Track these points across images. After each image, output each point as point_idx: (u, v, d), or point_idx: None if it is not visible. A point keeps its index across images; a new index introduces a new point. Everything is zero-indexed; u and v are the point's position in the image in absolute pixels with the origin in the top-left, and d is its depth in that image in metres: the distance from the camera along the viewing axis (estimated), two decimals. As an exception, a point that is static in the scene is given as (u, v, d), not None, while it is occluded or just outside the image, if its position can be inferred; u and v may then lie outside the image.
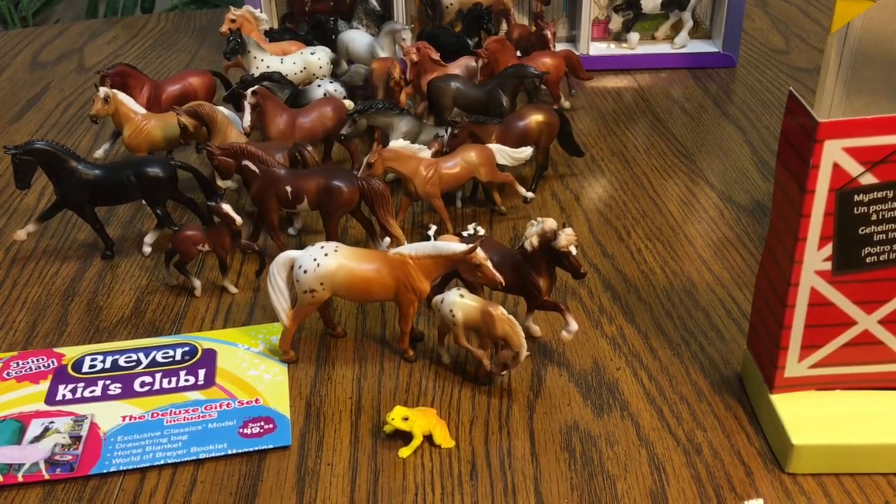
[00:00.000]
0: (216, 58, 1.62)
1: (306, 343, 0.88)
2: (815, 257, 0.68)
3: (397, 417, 0.74)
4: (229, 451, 0.74)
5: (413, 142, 1.08)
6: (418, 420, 0.74)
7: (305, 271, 0.81)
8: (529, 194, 1.07)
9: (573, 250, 0.80)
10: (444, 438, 0.75)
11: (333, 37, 1.43)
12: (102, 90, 1.12)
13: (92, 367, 0.84)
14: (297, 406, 0.80)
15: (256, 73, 1.27)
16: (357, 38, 1.41)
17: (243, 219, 0.96)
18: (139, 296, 0.97)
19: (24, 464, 0.73)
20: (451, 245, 0.80)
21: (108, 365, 0.85)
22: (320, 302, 0.82)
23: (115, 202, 1.05)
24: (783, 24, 1.77)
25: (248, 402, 0.80)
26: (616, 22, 1.57)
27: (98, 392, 0.81)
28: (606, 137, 1.31)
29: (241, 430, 0.76)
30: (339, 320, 0.91)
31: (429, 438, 0.75)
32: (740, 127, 1.33)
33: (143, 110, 1.15)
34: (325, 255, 0.81)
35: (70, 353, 0.87)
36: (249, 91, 1.10)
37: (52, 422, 0.77)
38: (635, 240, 1.05)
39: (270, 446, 0.75)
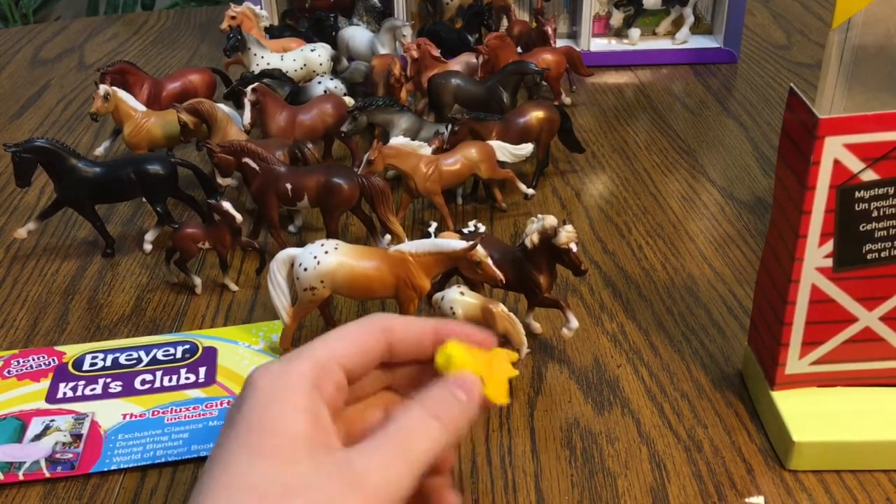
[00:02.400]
0: (216, 55, 1.62)
1: (307, 340, 0.88)
2: (815, 254, 0.68)
3: (444, 358, 0.58)
4: (230, 449, 0.74)
5: (413, 138, 1.08)
6: (470, 359, 0.58)
7: (306, 269, 0.80)
8: (530, 191, 1.07)
9: (574, 247, 0.80)
10: (499, 391, 0.58)
11: (334, 33, 1.43)
12: (102, 88, 1.12)
13: (92, 365, 0.84)
14: (298, 404, 0.80)
15: (256, 70, 1.26)
16: (357, 34, 1.41)
17: (243, 216, 0.96)
18: (140, 294, 0.97)
19: (24, 462, 0.73)
20: (452, 242, 0.79)
21: (108, 363, 0.85)
22: (321, 299, 0.82)
23: (116, 200, 1.05)
24: (784, 20, 1.76)
25: (248, 400, 0.80)
26: (617, 18, 1.57)
27: (99, 390, 0.81)
28: (607, 134, 1.31)
29: (241, 428, 0.76)
30: (339, 318, 0.91)
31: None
32: (741, 123, 1.33)
33: (143, 108, 1.15)
34: (326, 252, 0.81)
35: (71, 351, 0.87)
36: (249, 88, 1.10)
37: (52, 420, 0.77)
38: (636, 236, 1.04)
39: (271, 444, 0.75)
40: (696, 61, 1.55)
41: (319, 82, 1.23)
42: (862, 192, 0.66)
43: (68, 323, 0.92)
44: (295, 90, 1.22)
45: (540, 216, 0.81)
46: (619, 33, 1.59)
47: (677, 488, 0.70)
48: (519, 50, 1.39)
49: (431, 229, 0.89)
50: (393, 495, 0.51)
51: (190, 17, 1.89)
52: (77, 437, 0.76)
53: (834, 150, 0.64)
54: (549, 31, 1.38)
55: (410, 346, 0.60)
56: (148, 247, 1.04)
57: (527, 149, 1.06)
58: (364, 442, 0.53)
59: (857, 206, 0.66)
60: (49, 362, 0.85)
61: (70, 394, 0.81)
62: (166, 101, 1.23)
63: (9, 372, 0.84)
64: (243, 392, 0.55)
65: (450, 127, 1.07)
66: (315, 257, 0.80)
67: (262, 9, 1.43)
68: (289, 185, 0.96)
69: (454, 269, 0.83)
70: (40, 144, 0.99)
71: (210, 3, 2.83)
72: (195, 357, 0.85)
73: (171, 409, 0.79)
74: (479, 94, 1.21)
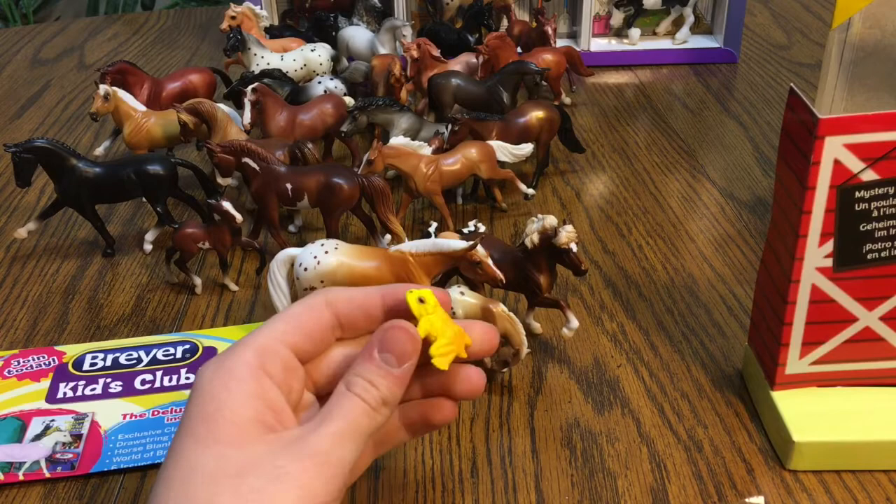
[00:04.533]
0: (216, 55, 1.62)
1: (307, 340, 0.88)
2: (816, 254, 0.68)
3: (412, 300, 0.57)
4: (230, 449, 0.74)
5: (413, 138, 1.08)
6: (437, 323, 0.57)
7: (306, 269, 0.80)
8: (530, 191, 1.07)
9: (574, 247, 0.80)
10: (460, 345, 0.58)
11: (334, 33, 1.43)
12: (103, 88, 1.12)
13: (93, 365, 0.84)
14: (298, 404, 0.80)
15: (256, 69, 1.26)
16: (357, 34, 1.41)
17: (243, 216, 0.96)
18: (140, 293, 0.97)
19: (24, 462, 0.73)
20: (452, 242, 0.79)
21: (108, 363, 0.85)
22: (321, 299, 0.82)
23: (116, 200, 1.05)
24: (784, 19, 1.76)
25: (248, 400, 0.80)
26: (617, 18, 1.56)
27: (99, 390, 0.81)
28: (607, 133, 1.31)
29: (241, 428, 0.76)
30: (339, 318, 0.91)
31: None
32: (742, 123, 1.33)
33: (143, 108, 1.15)
34: (326, 252, 0.81)
35: (71, 350, 0.87)
36: (249, 88, 1.10)
37: (52, 420, 0.77)
38: (636, 236, 1.04)
39: (271, 444, 0.75)
40: (696, 61, 1.55)
41: (319, 82, 1.23)
42: (862, 192, 0.66)
43: (68, 323, 0.92)
44: (295, 90, 1.22)
45: (540, 216, 0.81)
46: (619, 33, 1.59)
47: (677, 488, 0.70)
48: (519, 50, 1.39)
49: (431, 229, 0.89)
50: (344, 464, 0.53)
51: (190, 17, 1.89)
52: (77, 437, 0.76)
53: (834, 150, 0.64)
54: (549, 31, 1.38)
55: (358, 318, 0.60)
56: (148, 247, 1.04)
57: (527, 149, 1.06)
58: (311, 422, 0.54)
59: (857, 206, 0.66)
60: (49, 362, 0.85)
61: (70, 394, 0.81)
62: (166, 101, 1.23)
63: (9, 372, 0.84)
64: (191, 390, 0.55)
65: (450, 127, 1.07)
66: (315, 257, 0.81)
67: (262, 9, 1.43)
68: (289, 185, 0.96)
69: (454, 269, 0.83)
70: (40, 144, 0.99)
71: (210, 3, 2.83)
72: (195, 357, 0.85)
73: (172, 409, 0.79)
74: (479, 94, 1.21)
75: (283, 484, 0.50)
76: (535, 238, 0.80)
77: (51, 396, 0.80)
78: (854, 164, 0.64)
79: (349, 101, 1.18)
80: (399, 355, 0.56)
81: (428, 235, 0.86)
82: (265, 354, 0.56)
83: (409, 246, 0.81)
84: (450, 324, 0.58)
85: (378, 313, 0.60)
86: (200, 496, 0.50)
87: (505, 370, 0.79)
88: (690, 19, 1.54)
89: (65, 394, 0.81)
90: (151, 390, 0.81)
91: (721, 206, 1.11)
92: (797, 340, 0.72)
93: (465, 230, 0.88)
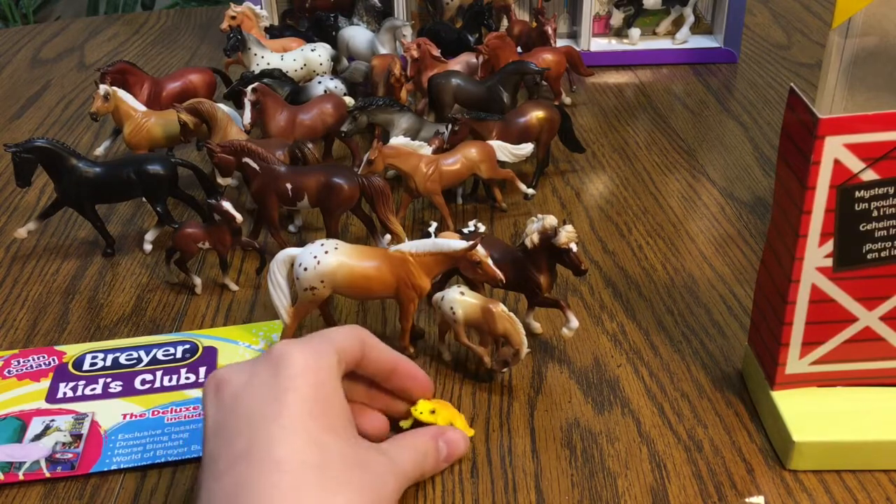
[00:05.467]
0: (216, 55, 1.62)
1: (307, 340, 0.88)
2: (816, 254, 0.68)
3: (425, 411, 0.73)
4: (230, 449, 0.74)
5: (413, 138, 1.08)
6: (442, 412, 0.74)
7: (306, 269, 0.80)
8: (530, 191, 1.07)
9: (574, 247, 0.80)
10: (465, 426, 0.75)
11: (334, 33, 1.43)
12: (102, 87, 1.12)
13: (93, 364, 0.84)
14: (298, 404, 0.80)
15: (257, 69, 1.26)
16: (357, 34, 1.41)
17: (243, 216, 0.96)
18: (140, 293, 0.97)
19: (24, 462, 0.73)
20: (452, 242, 0.79)
21: (108, 363, 0.85)
22: (321, 299, 0.82)
23: (116, 200, 1.05)
24: (784, 19, 1.76)
25: (248, 400, 0.79)
26: (617, 18, 1.56)
27: (99, 390, 0.81)
28: (607, 133, 1.31)
29: (241, 428, 0.76)
30: (339, 318, 0.91)
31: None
32: (742, 123, 1.33)
33: (143, 108, 1.15)
34: (326, 252, 0.81)
35: (71, 350, 0.87)
36: (249, 88, 1.10)
37: (52, 420, 0.77)
38: (636, 236, 1.04)
39: (271, 444, 0.75)
40: (696, 61, 1.55)
41: (319, 82, 1.23)
42: (862, 191, 0.66)
43: (68, 323, 0.92)
44: (295, 90, 1.22)
45: (540, 216, 0.81)
46: (619, 33, 1.59)
47: (677, 488, 0.70)
48: (519, 50, 1.39)
49: (431, 229, 0.89)
50: (405, 484, 0.66)
51: (190, 17, 1.89)
52: (77, 437, 0.76)
53: (834, 150, 0.64)
54: (550, 30, 1.38)
55: (374, 367, 0.70)
56: (148, 247, 1.04)
57: (527, 149, 1.06)
58: (389, 443, 0.68)
59: (857, 205, 0.66)
60: (49, 362, 0.85)
61: (70, 394, 0.81)
62: (166, 101, 1.23)
63: (9, 372, 0.84)
64: (277, 360, 0.62)
65: (450, 127, 1.07)
66: (315, 257, 0.80)
67: (262, 9, 1.43)
68: (289, 185, 0.96)
69: (454, 269, 0.83)
70: (40, 144, 0.99)
71: (210, 3, 2.83)
72: (195, 357, 0.85)
73: (172, 409, 0.79)
74: (479, 94, 1.20)
75: (387, 491, 0.62)
76: (535, 238, 0.80)
77: (51, 396, 0.80)
78: (854, 163, 0.64)
79: (349, 101, 1.18)
80: (452, 458, 0.72)
81: (428, 235, 0.86)
82: (340, 363, 0.65)
83: (409, 246, 0.81)
84: (441, 404, 0.74)
85: (386, 371, 0.71)
86: (337, 476, 0.58)
87: (505, 370, 0.79)
88: (690, 19, 1.54)
89: (65, 394, 0.81)
90: (151, 390, 0.81)
91: (721, 206, 1.11)
92: (797, 340, 0.72)
93: (465, 230, 0.88)
